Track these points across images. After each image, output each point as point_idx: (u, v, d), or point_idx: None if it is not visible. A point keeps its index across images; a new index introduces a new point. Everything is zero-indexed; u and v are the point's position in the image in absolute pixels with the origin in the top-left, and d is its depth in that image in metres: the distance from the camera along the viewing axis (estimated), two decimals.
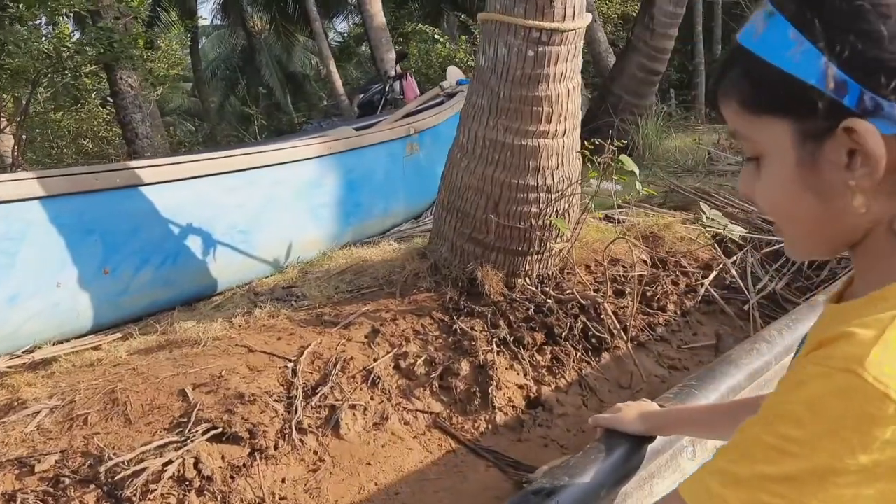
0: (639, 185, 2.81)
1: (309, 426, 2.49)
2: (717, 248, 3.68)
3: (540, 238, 3.03)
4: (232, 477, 2.26)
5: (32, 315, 2.97)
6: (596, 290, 3.16)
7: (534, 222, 2.99)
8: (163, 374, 2.57)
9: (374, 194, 4.76)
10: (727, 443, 0.77)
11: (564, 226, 2.86)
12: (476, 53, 3.07)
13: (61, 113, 10.48)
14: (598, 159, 2.94)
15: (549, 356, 2.94)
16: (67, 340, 3.09)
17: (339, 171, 4.47)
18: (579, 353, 2.99)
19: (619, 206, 3.58)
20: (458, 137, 3.11)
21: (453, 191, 3.13)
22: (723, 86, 0.82)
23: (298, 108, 20.91)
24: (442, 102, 5.90)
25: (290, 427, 2.42)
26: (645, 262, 3.41)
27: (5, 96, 7.90)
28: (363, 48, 22.62)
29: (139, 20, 8.67)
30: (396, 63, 9.05)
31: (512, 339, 2.94)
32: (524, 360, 2.89)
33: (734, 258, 3.60)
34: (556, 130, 2.88)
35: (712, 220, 2.93)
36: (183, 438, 2.25)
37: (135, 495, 2.09)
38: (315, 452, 2.45)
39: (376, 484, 2.37)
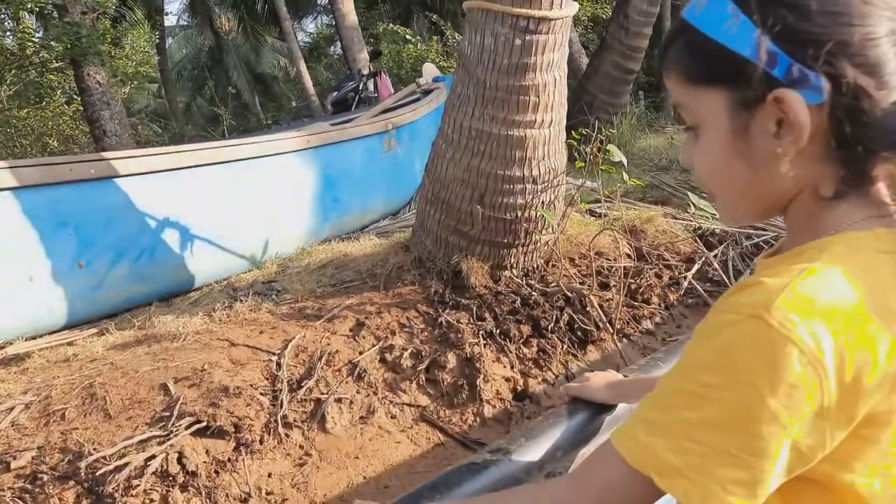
0: (625, 176, 2.80)
1: (294, 420, 2.43)
2: (699, 241, 3.69)
3: (526, 230, 3.01)
4: (217, 472, 2.20)
5: (4, 310, 2.87)
6: (581, 283, 3.14)
7: (520, 214, 2.97)
8: (143, 369, 2.50)
9: (353, 190, 4.71)
10: (652, 392, 0.81)
11: (552, 217, 2.84)
12: (460, 44, 3.04)
13: (25, 111, 10.25)
14: (586, 149, 2.93)
15: (535, 349, 2.91)
16: (41, 336, 3.00)
17: (317, 165, 4.41)
18: (565, 346, 2.97)
19: (607, 199, 3.56)
20: (443, 128, 3.07)
21: (438, 182, 3.09)
22: (666, 59, 0.86)
23: (267, 110, 20.73)
24: (418, 99, 5.86)
25: (276, 421, 2.36)
26: (629, 255, 3.40)
27: None
28: (333, 49, 22.52)
29: (106, 16, 8.51)
30: (371, 61, 9.00)
31: (498, 331, 2.90)
32: (511, 352, 2.86)
33: (715, 252, 3.61)
34: (543, 120, 2.86)
35: (701, 210, 2.93)
36: (166, 433, 2.18)
37: (116, 491, 2.02)
38: (301, 447, 2.40)
39: (364, 477, 2.32)
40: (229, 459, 2.23)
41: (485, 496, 1.27)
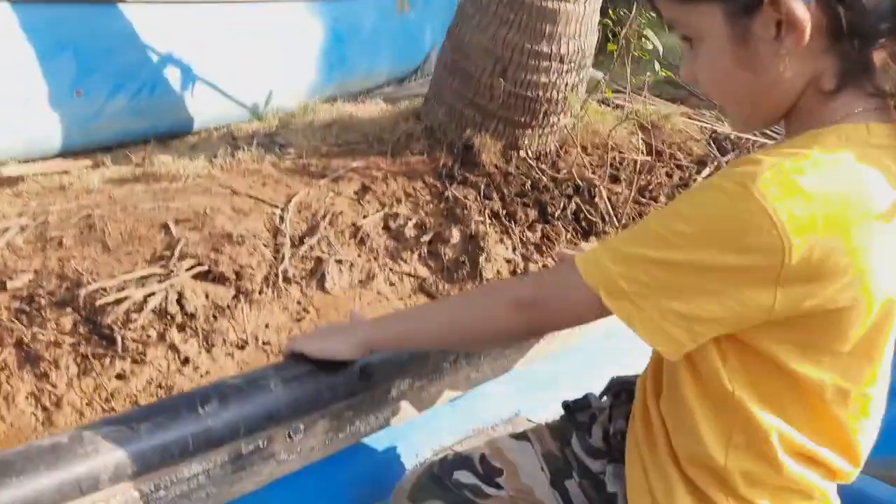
0: (657, 65, 2.69)
1: (294, 276, 2.40)
2: (713, 144, 3.62)
3: (545, 111, 2.91)
4: (215, 316, 2.18)
5: None
6: (592, 173, 3.08)
7: (541, 93, 2.86)
8: (143, 206, 2.43)
9: (360, 49, 4.52)
10: (628, 228, 0.90)
11: (576, 100, 2.74)
12: None
13: None
14: (621, 32, 2.79)
15: (539, 234, 2.88)
16: (34, 161, 2.89)
17: (327, 18, 4.20)
18: (569, 235, 2.94)
19: (633, 91, 3.45)
20: None
21: (459, 50, 2.95)
22: None
23: None
24: None
25: (277, 274, 2.33)
26: (642, 151, 3.33)
27: None
28: None
29: None
30: None
31: (504, 212, 2.86)
32: (515, 234, 2.83)
33: (727, 157, 3.55)
34: None
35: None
36: (167, 272, 2.14)
37: (115, 323, 2.00)
38: (299, 302, 2.38)
39: None
40: (228, 306, 2.21)
41: (446, 297, 1.29)
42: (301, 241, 2.48)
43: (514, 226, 2.84)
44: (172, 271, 2.13)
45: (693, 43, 0.88)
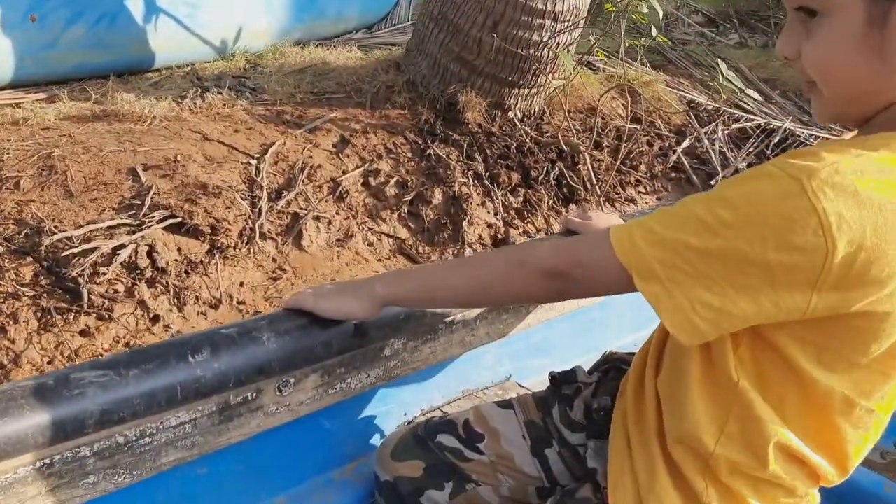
0: (654, 31, 2.60)
1: (269, 231, 2.27)
2: (691, 114, 3.57)
3: (535, 70, 2.80)
4: (187, 272, 2.04)
5: None
6: (577, 138, 2.99)
7: (532, 52, 2.75)
8: (107, 148, 2.25)
9: None
10: (667, 207, 0.84)
11: (569, 60, 2.63)
12: None
13: None
14: None
15: (521, 198, 2.80)
16: None
17: None
18: (551, 201, 2.86)
19: (626, 53, 3.35)
20: None
21: (448, 0, 2.81)
22: None
23: None
24: None
25: (253, 229, 2.19)
26: (624, 118, 3.25)
27: None
28: None
29: None
30: None
31: (487, 174, 2.76)
32: (497, 198, 2.74)
33: (706, 129, 3.51)
34: None
35: (728, 81, 2.78)
36: (137, 222, 1.98)
37: (81, 276, 1.84)
38: (274, 260, 2.25)
39: None
40: (201, 262, 2.07)
41: (466, 256, 1.27)
42: (278, 196, 2.34)
43: (496, 189, 2.75)
44: (144, 222, 1.97)
45: (818, 16, 0.81)
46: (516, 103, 2.92)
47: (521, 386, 1.65)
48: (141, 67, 3.29)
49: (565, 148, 2.90)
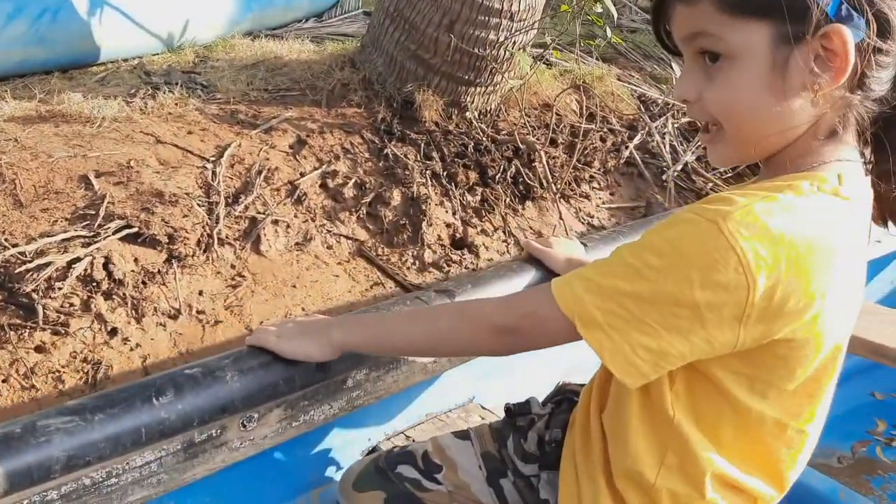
0: (609, 32, 2.63)
1: (227, 237, 2.24)
2: (643, 108, 3.62)
3: (491, 69, 2.81)
4: (144, 283, 2.00)
5: None
6: (532, 135, 3.01)
7: (489, 51, 2.75)
8: (56, 154, 2.18)
9: None
10: (602, 258, 0.91)
11: (526, 60, 2.65)
12: None
13: None
14: None
15: (479, 197, 2.81)
16: None
17: None
18: (507, 199, 2.88)
19: (583, 51, 3.38)
20: None
21: None
22: None
23: None
24: None
25: (211, 236, 2.16)
26: (579, 114, 3.29)
27: None
28: None
29: None
30: None
31: (445, 174, 2.76)
32: (455, 197, 2.74)
33: (657, 123, 3.57)
34: None
35: None
36: (92, 234, 1.94)
37: (36, 292, 1.80)
38: (233, 266, 2.22)
39: (303, 308, 2.20)
40: (159, 272, 2.03)
41: (419, 308, 1.42)
42: (235, 200, 2.31)
43: (454, 188, 2.76)
44: (99, 233, 1.93)
45: (721, 59, 0.86)
46: (473, 102, 2.92)
47: (483, 408, 1.69)
48: (85, 62, 3.19)
49: (521, 146, 2.92)
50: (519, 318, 0.98)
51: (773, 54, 0.83)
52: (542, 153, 2.94)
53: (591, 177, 3.21)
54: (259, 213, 2.33)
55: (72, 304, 1.87)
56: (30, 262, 1.79)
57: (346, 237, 2.50)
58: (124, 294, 1.95)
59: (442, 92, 2.86)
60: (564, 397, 1.26)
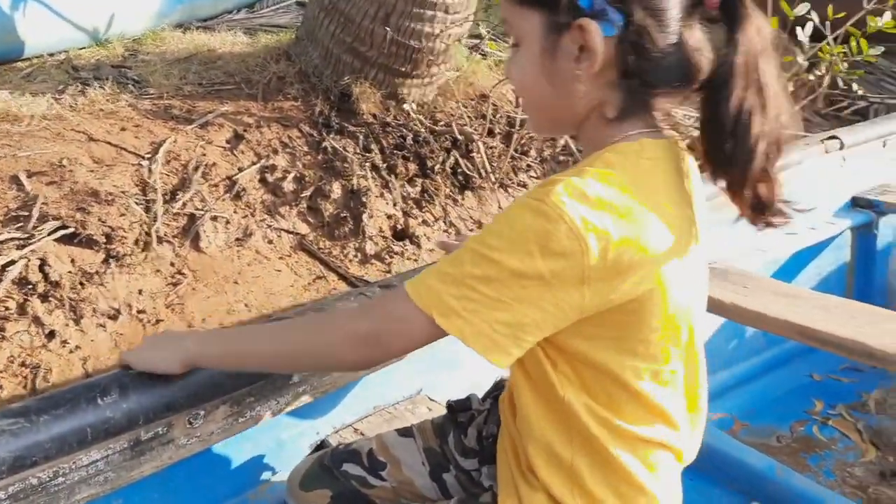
0: None
1: (166, 235, 2.22)
2: None
3: (427, 62, 2.83)
4: (82, 284, 1.97)
5: None
6: (469, 126, 3.05)
7: (425, 43, 2.77)
8: None
9: None
10: (451, 252, 0.96)
11: (461, 52, 2.68)
12: None
13: None
14: None
15: (419, 188, 2.83)
16: None
17: None
18: (447, 190, 2.91)
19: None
20: None
21: None
22: None
23: None
24: None
25: (150, 234, 2.14)
26: (516, 104, 3.33)
27: None
28: None
29: None
30: None
31: (385, 165, 2.78)
32: (395, 189, 2.76)
33: None
34: None
35: None
36: (26, 236, 1.90)
37: None
38: (173, 264, 2.21)
39: (246, 304, 2.20)
40: (97, 272, 2.01)
41: (282, 322, 1.34)
42: (173, 197, 2.28)
43: (394, 180, 2.78)
44: (33, 235, 1.89)
45: (518, 45, 0.96)
46: (410, 94, 2.94)
47: (431, 399, 1.71)
48: (10, 58, 3.09)
49: (459, 137, 2.95)
50: (376, 322, 0.97)
51: (544, 41, 0.92)
52: (480, 143, 2.98)
53: (529, 166, 3.27)
54: (197, 209, 2.32)
55: (7, 308, 1.83)
56: None
57: (287, 231, 2.50)
58: (61, 296, 1.92)
59: (379, 84, 2.87)
60: (501, 393, 1.29)
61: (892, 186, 2.70)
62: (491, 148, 3.11)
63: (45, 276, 1.90)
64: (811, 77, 3.30)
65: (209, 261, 2.27)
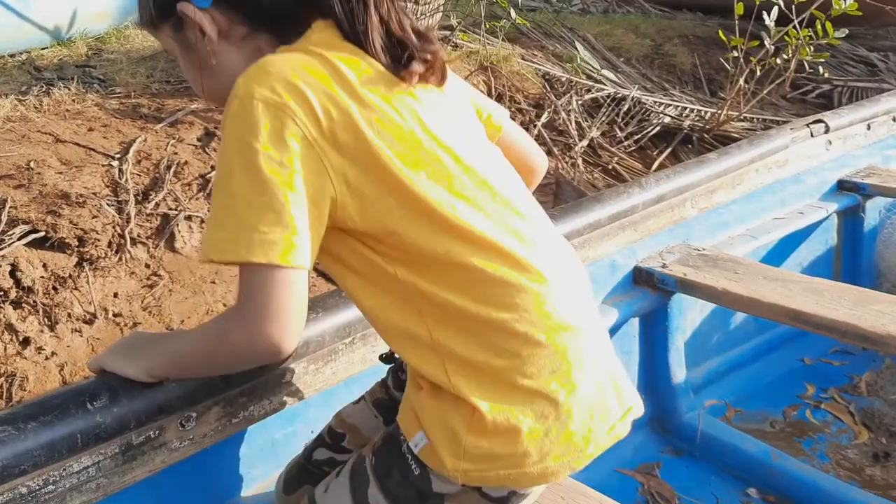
0: (514, 14, 2.67)
1: (140, 236, 2.18)
2: (548, 87, 3.70)
3: None
4: (56, 289, 1.93)
5: None
6: None
7: None
8: None
9: None
10: None
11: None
12: None
13: None
14: None
15: None
16: None
17: None
18: None
19: (488, 32, 3.41)
20: None
21: None
22: (142, 18, 1.08)
23: None
24: None
25: (123, 236, 2.10)
26: (488, 94, 3.33)
27: None
28: None
29: None
30: None
31: None
32: None
33: (562, 101, 3.65)
34: None
35: (586, 62, 2.89)
36: None
37: None
38: (148, 266, 2.17)
39: (225, 304, 2.17)
40: (71, 276, 1.97)
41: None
42: (145, 198, 2.24)
43: None
44: (3, 240, 1.84)
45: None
46: None
47: None
48: None
49: None
50: (254, 305, 0.88)
51: (179, 44, 1.03)
52: None
53: None
54: (171, 209, 2.28)
55: None
56: None
57: None
58: (35, 301, 1.88)
59: None
60: None
61: (877, 169, 2.73)
62: None
63: (17, 282, 1.85)
64: (778, 61, 3.34)
65: (185, 261, 2.23)
